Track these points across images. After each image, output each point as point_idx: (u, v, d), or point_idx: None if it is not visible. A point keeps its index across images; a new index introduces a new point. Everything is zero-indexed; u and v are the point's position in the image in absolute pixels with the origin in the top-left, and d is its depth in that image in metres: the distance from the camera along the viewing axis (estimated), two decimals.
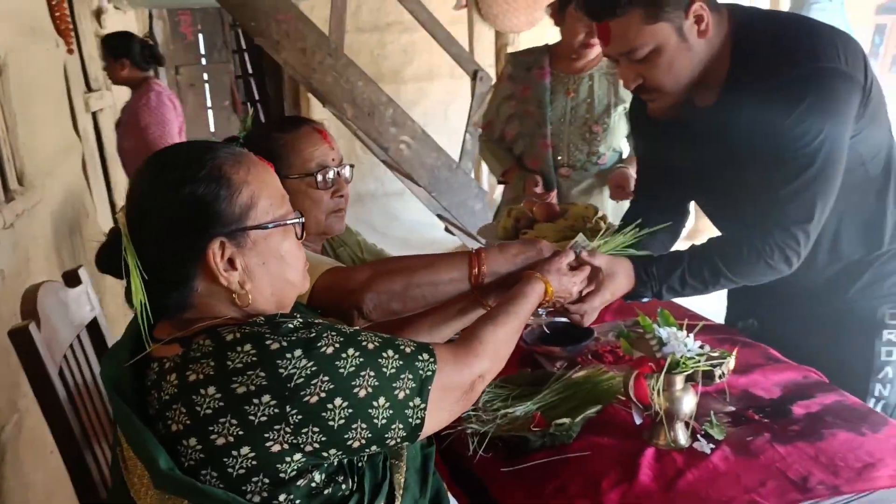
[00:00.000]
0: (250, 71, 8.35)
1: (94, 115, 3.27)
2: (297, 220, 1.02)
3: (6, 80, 2.02)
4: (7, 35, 2.02)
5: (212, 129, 7.24)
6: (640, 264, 1.50)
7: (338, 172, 1.53)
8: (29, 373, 1.38)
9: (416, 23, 4.40)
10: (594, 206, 1.87)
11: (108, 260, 0.95)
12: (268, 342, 0.87)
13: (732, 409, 1.43)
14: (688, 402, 1.32)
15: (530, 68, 2.39)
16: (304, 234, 1.06)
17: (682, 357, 1.29)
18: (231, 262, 0.95)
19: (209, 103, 7.01)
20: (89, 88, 3.23)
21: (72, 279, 1.67)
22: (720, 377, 1.38)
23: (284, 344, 0.88)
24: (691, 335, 1.33)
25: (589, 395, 1.43)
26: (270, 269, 0.99)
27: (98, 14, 4.37)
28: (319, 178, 1.50)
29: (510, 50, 4.11)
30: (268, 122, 1.57)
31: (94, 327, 1.68)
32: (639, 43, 1.35)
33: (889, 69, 6.05)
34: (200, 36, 6.96)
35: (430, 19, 4.20)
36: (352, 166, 1.59)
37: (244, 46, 8.09)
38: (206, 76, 7.00)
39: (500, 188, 2.69)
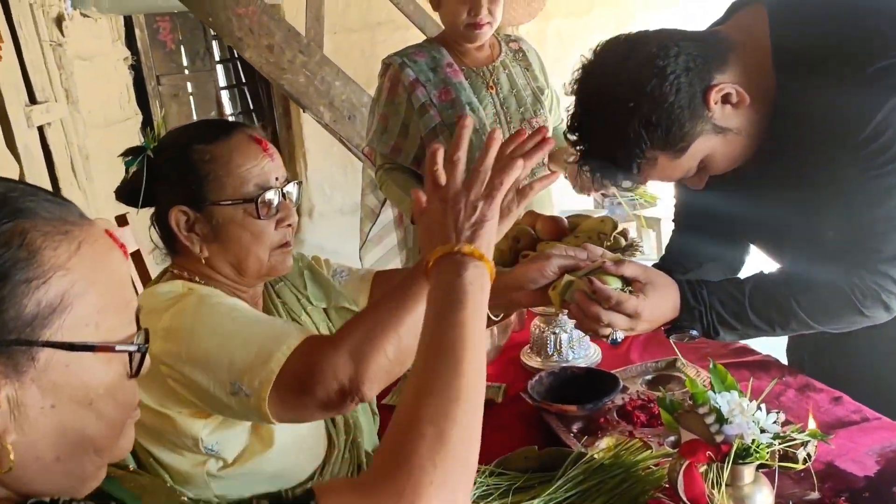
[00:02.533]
0: (243, 80, 8.03)
1: (40, 129, 2.91)
2: (132, 349, 0.60)
3: None
4: None
5: None
6: (688, 284, 1.13)
7: (283, 194, 1.13)
8: None
9: (408, 21, 4.04)
10: (611, 219, 1.48)
11: None
12: None
13: (817, 496, 1.03)
14: (762, 499, 0.93)
15: (435, 68, 2.03)
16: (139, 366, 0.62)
17: (753, 441, 0.89)
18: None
19: (194, 115, 6.65)
20: (33, 100, 2.87)
21: None
22: (805, 461, 0.98)
23: None
24: (763, 406, 0.93)
25: (621, 487, 1.03)
26: (61, 418, 0.57)
27: (59, 21, 4.03)
28: (260, 203, 1.10)
29: None
30: (185, 130, 1.15)
31: None
32: (684, 172, 1.15)
33: None
34: (182, 45, 6.62)
35: (419, 13, 3.81)
36: (299, 183, 1.18)
37: (236, 55, 7.79)
38: (189, 86, 6.65)
39: None
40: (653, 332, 1.67)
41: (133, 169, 1.12)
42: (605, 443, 1.20)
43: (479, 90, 2.04)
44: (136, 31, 5.87)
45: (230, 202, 1.08)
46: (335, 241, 5.42)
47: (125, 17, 5.65)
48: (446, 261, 0.79)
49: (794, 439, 0.93)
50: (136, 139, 4.13)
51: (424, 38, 4.16)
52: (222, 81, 7.43)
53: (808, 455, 0.97)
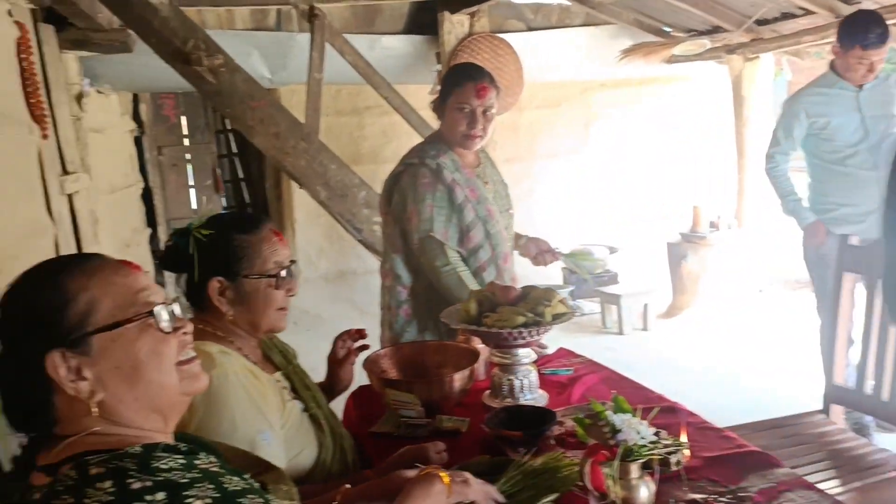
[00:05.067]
0: (234, 150, 8.48)
1: (69, 197, 3.29)
2: (144, 315, 0.96)
3: None
4: None
5: (193, 206, 7.30)
6: None
7: (290, 271, 1.57)
8: None
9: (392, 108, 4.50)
10: (554, 290, 1.89)
11: None
12: (130, 480, 0.83)
13: (695, 497, 1.41)
14: (644, 491, 1.30)
15: (457, 168, 2.33)
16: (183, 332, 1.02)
17: (635, 444, 1.28)
18: (79, 372, 0.92)
19: (191, 182, 7.08)
20: (65, 171, 3.27)
21: None
22: (676, 465, 1.37)
23: (148, 484, 0.83)
24: (645, 422, 1.32)
25: (547, 484, 1.41)
26: (126, 372, 0.94)
27: (79, 98, 4.44)
28: (279, 278, 1.54)
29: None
30: (227, 219, 1.60)
31: None
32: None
33: None
34: (183, 118, 7.09)
35: (404, 105, 4.31)
36: (294, 261, 1.63)
37: (228, 127, 8.25)
38: (188, 156, 7.10)
39: None
40: (592, 383, 2.07)
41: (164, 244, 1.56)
42: (543, 459, 1.57)
43: (483, 186, 2.38)
44: (142, 106, 6.30)
45: (258, 276, 1.50)
46: (320, 306, 5.75)
47: (133, 94, 6.10)
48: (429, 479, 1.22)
49: (666, 446, 1.31)
50: (138, 205, 4.59)
51: (406, 123, 4.67)
52: (217, 151, 7.90)
53: (678, 461, 1.36)
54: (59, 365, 0.90)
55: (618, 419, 1.31)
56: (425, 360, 2.13)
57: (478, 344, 2.12)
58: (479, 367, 2.06)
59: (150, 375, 0.96)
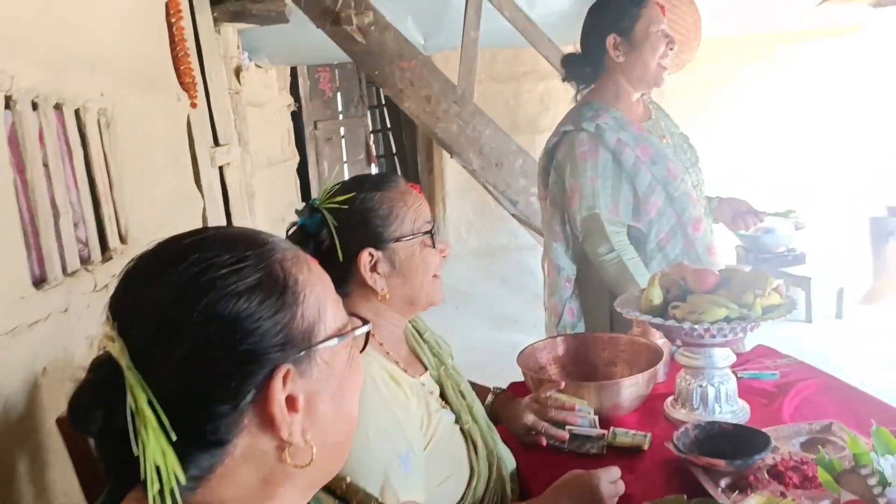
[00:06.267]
0: (388, 125, 8.47)
1: (220, 169, 3.25)
2: (365, 329, 0.72)
3: (113, 134, 1.94)
4: (117, 87, 1.95)
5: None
6: None
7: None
8: (78, 469, 1.19)
9: (553, 71, 4.15)
10: (767, 274, 1.48)
11: (92, 409, 0.60)
12: None
13: None
14: None
15: (624, 127, 1.97)
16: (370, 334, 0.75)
17: None
18: (291, 403, 0.64)
19: (345, 157, 7.10)
20: (217, 143, 3.22)
21: None
22: None
23: None
24: None
25: None
26: (336, 406, 0.68)
27: (237, 72, 4.46)
28: (434, 233, 1.27)
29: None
30: (355, 182, 1.29)
31: None
32: None
33: None
34: (339, 93, 7.11)
35: None
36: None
37: (383, 102, 8.24)
38: (342, 130, 7.11)
39: None
40: (807, 394, 1.64)
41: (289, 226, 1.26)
42: (755, 500, 1.19)
43: (660, 142, 2.01)
44: (300, 80, 6.35)
45: (412, 236, 1.22)
46: (469, 282, 5.55)
47: (291, 67, 6.15)
48: None
49: None
50: (293, 179, 4.52)
51: (570, 89, 4.28)
52: (370, 126, 7.90)
53: None
54: (279, 391, 0.63)
55: (888, 466, 0.91)
56: (591, 357, 1.80)
57: (657, 338, 1.76)
58: (659, 366, 1.69)
59: (351, 409, 0.73)
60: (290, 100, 6.14)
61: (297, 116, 6.33)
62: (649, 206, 1.95)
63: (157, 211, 2.29)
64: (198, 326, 0.60)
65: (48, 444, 1.23)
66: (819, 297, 4.53)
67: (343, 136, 7.13)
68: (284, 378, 0.62)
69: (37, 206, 1.52)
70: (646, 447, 1.44)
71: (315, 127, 6.58)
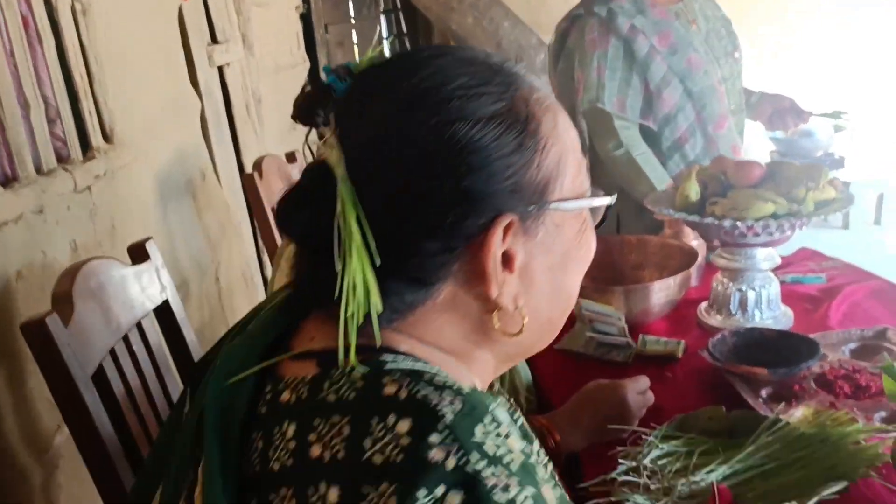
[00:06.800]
0: (404, 31, 8.12)
1: (220, 69, 3.05)
2: (607, 200, 0.64)
3: (91, 22, 1.76)
4: None
5: None
6: None
7: None
8: (48, 378, 1.09)
9: None
10: (821, 165, 1.30)
11: (296, 212, 0.57)
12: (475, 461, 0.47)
13: None
14: None
15: (643, 10, 1.81)
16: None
17: None
18: (507, 261, 0.57)
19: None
20: (214, 40, 3.01)
21: (138, 253, 1.38)
22: None
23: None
24: None
25: (825, 461, 0.90)
26: (555, 278, 0.61)
27: None
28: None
29: None
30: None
31: (165, 312, 1.38)
32: None
33: None
34: None
35: None
36: None
37: (398, 5, 7.87)
38: (354, 34, 6.80)
39: None
40: (857, 299, 1.49)
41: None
42: (801, 412, 1.07)
43: (687, 28, 1.84)
44: None
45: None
46: None
47: None
48: None
49: None
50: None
51: None
52: (385, 31, 7.55)
53: None
54: (498, 240, 0.57)
55: None
56: (617, 260, 1.65)
57: (691, 239, 1.61)
58: (692, 270, 1.55)
59: (570, 287, 0.66)
60: (298, 1, 5.85)
61: (306, 19, 6.04)
62: (663, 101, 1.80)
63: (148, 110, 2.13)
64: (421, 148, 0.54)
65: (26, 351, 1.13)
66: (858, 203, 4.32)
67: (355, 42, 6.82)
68: (506, 230, 0.56)
69: (0, 99, 1.37)
70: (679, 355, 1.31)
71: (326, 30, 6.27)
